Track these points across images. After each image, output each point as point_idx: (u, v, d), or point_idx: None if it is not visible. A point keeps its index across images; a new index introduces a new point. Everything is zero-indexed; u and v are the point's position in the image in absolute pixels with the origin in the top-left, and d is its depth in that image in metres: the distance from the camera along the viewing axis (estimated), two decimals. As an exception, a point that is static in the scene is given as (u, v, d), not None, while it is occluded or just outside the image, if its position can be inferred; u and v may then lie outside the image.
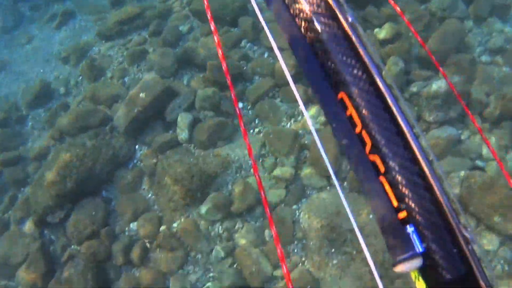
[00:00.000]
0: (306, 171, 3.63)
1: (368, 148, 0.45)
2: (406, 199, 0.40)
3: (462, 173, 3.25)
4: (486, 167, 3.37)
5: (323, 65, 0.53)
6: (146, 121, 4.42)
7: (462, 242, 0.38)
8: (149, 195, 4.08)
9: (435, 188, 0.40)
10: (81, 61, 5.50)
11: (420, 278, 0.40)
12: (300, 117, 4.02)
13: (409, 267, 0.38)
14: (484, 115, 3.68)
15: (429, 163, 0.42)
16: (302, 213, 3.41)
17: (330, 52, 0.53)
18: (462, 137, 3.64)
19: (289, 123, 4.02)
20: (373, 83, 0.49)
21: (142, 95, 4.40)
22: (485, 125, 3.65)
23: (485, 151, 3.49)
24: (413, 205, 0.39)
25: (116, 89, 4.91)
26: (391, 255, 0.40)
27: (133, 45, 5.29)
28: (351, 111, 0.48)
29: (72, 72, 5.53)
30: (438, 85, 3.68)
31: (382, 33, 4.43)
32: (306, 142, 3.80)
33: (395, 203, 0.41)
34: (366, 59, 0.50)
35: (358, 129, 0.47)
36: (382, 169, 0.43)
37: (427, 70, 4.06)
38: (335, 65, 0.51)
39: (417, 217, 0.38)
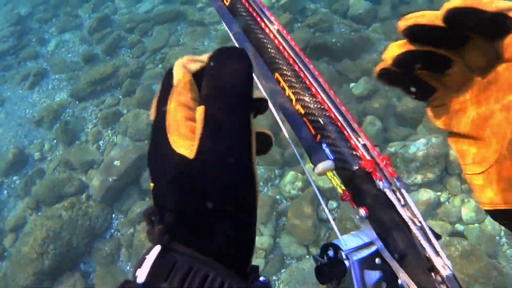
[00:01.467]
0: (285, 239, 3.77)
1: (294, 102, 0.65)
2: (319, 128, 0.61)
3: (442, 240, 3.38)
4: (465, 231, 3.52)
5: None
6: (122, 189, 4.56)
7: (356, 145, 0.58)
8: (128, 267, 4.20)
9: (337, 117, 0.61)
10: (55, 124, 5.67)
11: (335, 176, 0.59)
12: (277, 181, 4.18)
13: (324, 167, 0.56)
14: (463, 176, 3.85)
15: (335, 106, 0.62)
16: (281, 284, 3.55)
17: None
18: (442, 199, 3.79)
19: (265, 188, 4.18)
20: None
21: (117, 162, 4.56)
22: (464, 186, 3.82)
23: (465, 214, 3.64)
24: (323, 131, 0.60)
25: (91, 154, 5.06)
26: (313, 164, 0.57)
27: (106, 107, 5.47)
28: (283, 84, 0.69)
29: (46, 136, 5.68)
30: (416, 147, 3.86)
31: (358, 88, 4.63)
32: (283, 208, 3.96)
33: (313, 132, 0.61)
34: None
35: (287, 92, 0.68)
36: (303, 112, 0.63)
37: (405, 127, 4.26)
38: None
39: (327, 138, 0.59)
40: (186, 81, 0.46)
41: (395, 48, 0.52)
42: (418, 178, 3.83)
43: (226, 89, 0.42)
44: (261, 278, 0.44)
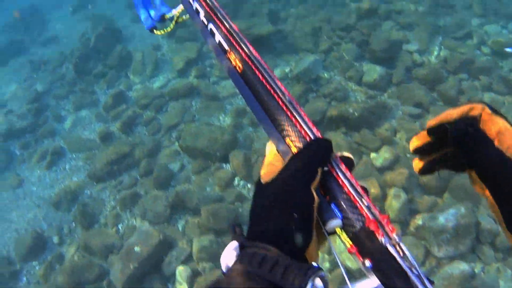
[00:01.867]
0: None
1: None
2: (329, 190, 0.71)
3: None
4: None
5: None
6: (143, 276, 4.54)
7: (361, 207, 0.68)
8: None
9: (345, 183, 0.71)
10: (73, 206, 5.73)
11: (342, 232, 0.66)
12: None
13: (333, 225, 0.66)
14: (496, 244, 3.80)
15: (342, 173, 0.72)
16: None
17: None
18: (476, 271, 3.72)
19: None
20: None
21: (137, 249, 4.56)
22: (499, 255, 3.76)
23: (502, 284, 3.57)
24: (332, 193, 0.71)
25: (111, 238, 5.07)
26: (323, 222, 0.67)
27: (124, 188, 5.53)
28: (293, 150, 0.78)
29: (64, 218, 5.73)
30: (445, 218, 3.82)
31: (379, 159, 4.64)
32: None
33: (322, 193, 0.71)
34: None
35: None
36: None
37: (431, 195, 4.23)
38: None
39: (335, 199, 0.69)
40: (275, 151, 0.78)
41: (414, 140, 0.83)
42: (450, 250, 3.78)
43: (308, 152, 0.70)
44: (314, 264, 0.59)
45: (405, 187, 4.28)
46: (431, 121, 0.80)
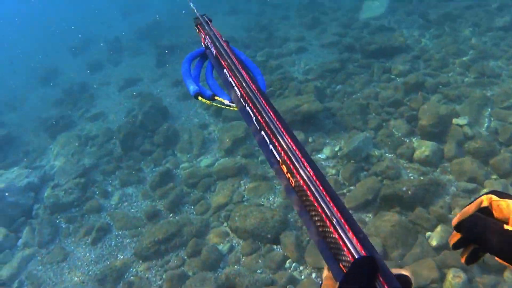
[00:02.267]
0: None
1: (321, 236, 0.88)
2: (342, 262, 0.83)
3: None
4: None
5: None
6: None
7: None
8: None
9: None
10: (118, 284, 5.74)
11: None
12: None
13: None
14: None
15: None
16: None
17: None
18: None
19: None
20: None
21: (185, 334, 4.50)
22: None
23: None
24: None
25: (157, 321, 5.03)
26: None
27: (171, 268, 5.54)
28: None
29: (109, 297, 5.72)
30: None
31: (435, 238, 4.57)
32: None
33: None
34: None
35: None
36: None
37: (491, 274, 4.11)
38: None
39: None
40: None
41: (450, 240, 1.00)
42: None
43: None
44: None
45: (464, 266, 4.17)
46: (454, 220, 0.96)
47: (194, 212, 6.32)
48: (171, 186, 6.89)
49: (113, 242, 6.47)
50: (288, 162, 0.96)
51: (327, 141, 6.79)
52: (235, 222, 5.57)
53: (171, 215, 6.43)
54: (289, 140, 1.00)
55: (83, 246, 6.68)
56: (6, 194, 8.03)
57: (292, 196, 0.95)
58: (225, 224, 5.87)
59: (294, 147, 0.98)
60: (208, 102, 1.47)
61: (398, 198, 5.16)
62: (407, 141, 6.31)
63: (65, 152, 9.32)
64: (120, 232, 6.57)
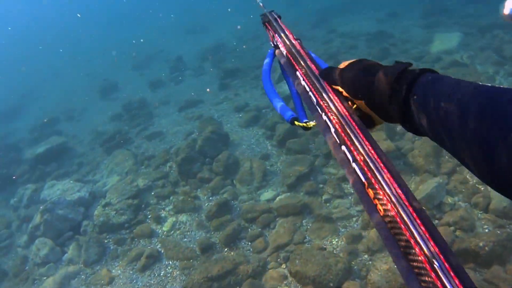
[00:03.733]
0: None
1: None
2: None
3: None
4: None
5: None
6: None
7: None
8: None
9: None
10: (163, 318, 5.54)
11: None
12: None
13: None
14: None
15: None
16: None
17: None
18: None
19: None
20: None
21: None
22: None
23: None
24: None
25: None
26: None
27: (224, 309, 5.29)
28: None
29: (154, 331, 5.53)
30: None
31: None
32: None
33: None
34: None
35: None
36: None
37: None
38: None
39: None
40: None
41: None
42: None
43: None
44: None
45: None
46: None
47: (251, 249, 6.07)
48: (228, 218, 6.68)
49: (162, 272, 6.30)
50: (377, 186, 0.84)
51: (397, 183, 6.41)
52: (296, 265, 5.28)
53: (226, 249, 6.21)
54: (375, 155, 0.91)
55: (130, 272, 6.55)
56: (56, 206, 8.08)
57: (382, 231, 0.80)
58: (283, 265, 5.58)
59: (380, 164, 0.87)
60: (306, 126, 1.28)
61: (474, 254, 4.81)
62: (483, 189, 5.87)
63: (119, 170, 9.36)
64: (170, 262, 6.40)
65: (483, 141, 0.65)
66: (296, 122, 1.30)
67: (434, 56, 10.51)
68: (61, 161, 10.96)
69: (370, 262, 5.31)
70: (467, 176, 6.13)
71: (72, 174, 10.08)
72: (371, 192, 0.84)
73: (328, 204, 6.43)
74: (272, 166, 7.76)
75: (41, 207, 8.04)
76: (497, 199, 5.51)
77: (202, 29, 21.75)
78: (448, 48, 10.76)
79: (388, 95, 0.89)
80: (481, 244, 4.81)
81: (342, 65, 1.12)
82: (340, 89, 1.09)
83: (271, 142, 8.46)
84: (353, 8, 17.96)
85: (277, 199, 6.84)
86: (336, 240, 5.84)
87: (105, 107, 14.33)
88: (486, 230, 5.27)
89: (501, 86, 0.68)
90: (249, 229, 6.42)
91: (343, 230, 5.97)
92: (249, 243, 6.19)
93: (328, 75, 1.14)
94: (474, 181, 6.04)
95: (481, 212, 5.58)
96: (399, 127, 7.78)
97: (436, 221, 5.59)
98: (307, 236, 5.99)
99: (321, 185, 6.79)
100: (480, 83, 0.72)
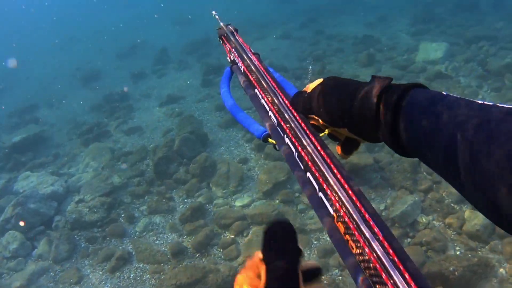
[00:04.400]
0: None
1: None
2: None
3: None
4: None
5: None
6: None
7: None
8: None
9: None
10: (130, 324, 5.46)
11: None
12: None
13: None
14: None
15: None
16: None
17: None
18: None
19: None
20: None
21: None
22: None
23: None
24: None
25: None
26: None
27: (191, 318, 5.23)
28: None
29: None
30: None
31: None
32: None
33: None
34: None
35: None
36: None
37: None
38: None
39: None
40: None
41: None
42: None
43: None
44: None
45: None
46: None
47: (223, 257, 6.01)
48: (201, 223, 6.60)
49: (132, 275, 6.22)
50: (347, 220, 0.78)
51: (373, 197, 6.40)
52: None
53: (197, 255, 6.14)
54: (346, 188, 0.84)
55: (100, 272, 6.46)
56: (29, 200, 7.91)
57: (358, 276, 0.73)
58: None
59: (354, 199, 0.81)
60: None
61: (443, 278, 4.82)
62: (458, 209, 5.89)
63: (95, 164, 9.20)
64: (141, 265, 6.31)
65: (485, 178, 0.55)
66: (269, 140, 1.22)
67: (419, 65, 10.50)
68: (37, 151, 10.73)
69: (340, 278, 5.29)
70: (443, 195, 6.14)
71: (48, 166, 9.88)
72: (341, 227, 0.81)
73: (303, 215, 6.39)
74: (249, 170, 7.68)
75: (13, 201, 7.85)
76: (471, 221, 5.53)
77: (190, 20, 21.44)
78: (433, 58, 10.76)
79: (373, 120, 0.80)
80: (451, 268, 4.82)
81: (309, 88, 1.01)
82: (315, 116, 0.97)
83: (250, 146, 8.37)
84: (344, 9, 17.85)
85: (252, 205, 6.78)
86: (308, 252, 5.81)
87: (86, 96, 14.06)
88: (458, 253, 5.28)
89: (498, 104, 0.60)
90: (222, 236, 6.35)
91: (315, 242, 5.94)
92: (221, 250, 6.13)
93: (298, 104, 1.02)
94: (450, 200, 6.05)
95: (454, 233, 5.59)
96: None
97: (409, 239, 5.59)
98: (280, 247, 5.91)
99: (297, 194, 6.74)
100: (473, 100, 0.65)
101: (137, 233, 6.94)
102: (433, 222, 5.80)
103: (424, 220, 5.83)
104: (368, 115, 0.81)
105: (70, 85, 15.50)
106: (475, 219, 5.52)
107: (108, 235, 7.03)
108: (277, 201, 6.72)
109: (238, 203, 6.91)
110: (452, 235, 5.58)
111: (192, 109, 10.90)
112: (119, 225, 7.15)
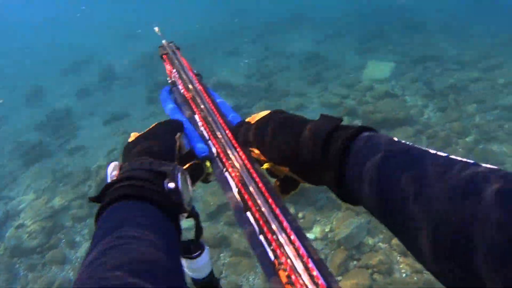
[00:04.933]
0: None
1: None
2: None
3: None
4: None
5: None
6: None
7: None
8: None
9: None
10: None
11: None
12: None
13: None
14: None
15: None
16: None
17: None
18: None
19: None
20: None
21: None
22: None
23: None
24: None
25: None
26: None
27: None
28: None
29: None
30: None
31: None
32: None
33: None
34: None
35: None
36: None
37: None
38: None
39: None
40: None
41: None
42: None
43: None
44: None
45: None
46: None
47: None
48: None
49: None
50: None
51: (318, 219, 6.40)
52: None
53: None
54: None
55: (40, 302, 6.23)
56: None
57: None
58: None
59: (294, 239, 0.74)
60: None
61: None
62: (403, 229, 5.99)
63: (36, 186, 8.92)
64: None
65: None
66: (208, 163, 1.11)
67: (366, 84, 10.54)
68: (-24, 173, 10.30)
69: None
70: (389, 214, 6.22)
71: (-13, 188, 9.50)
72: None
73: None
74: (193, 191, 7.55)
75: None
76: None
77: (138, 35, 21.14)
78: (380, 77, 10.89)
79: (318, 163, 0.78)
80: (396, 293, 4.87)
81: (254, 119, 0.97)
82: (256, 151, 0.93)
83: (194, 165, 8.28)
84: (296, 25, 17.84)
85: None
86: (253, 277, 5.75)
87: (30, 114, 13.61)
88: (404, 275, 5.35)
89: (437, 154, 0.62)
90: (164, 259, 6.23)
91: (260, 269, 5.90)
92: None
93: (240, 134, 0.99)
94: (394, 220, 6.14)
95: (400, 255, 5.60)
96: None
97: (355, 262, 5.58)
98: (223, 272, 5.87)
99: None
100: (432, 152, 0.63)
101: (79, 259, 6.73)
102: (379, 244, 5.82)
103: (370, 242, 5.84)
104: (314, 157, 0.78)
105: (13, 102, 14.98)
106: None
107: (47, 262, 6.81)
108: (221, 223, 6.65)
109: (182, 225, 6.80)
110: (398, 257, 5.61)
111: (137, 127, 10.72)
112: (60, 250, 6.93)
